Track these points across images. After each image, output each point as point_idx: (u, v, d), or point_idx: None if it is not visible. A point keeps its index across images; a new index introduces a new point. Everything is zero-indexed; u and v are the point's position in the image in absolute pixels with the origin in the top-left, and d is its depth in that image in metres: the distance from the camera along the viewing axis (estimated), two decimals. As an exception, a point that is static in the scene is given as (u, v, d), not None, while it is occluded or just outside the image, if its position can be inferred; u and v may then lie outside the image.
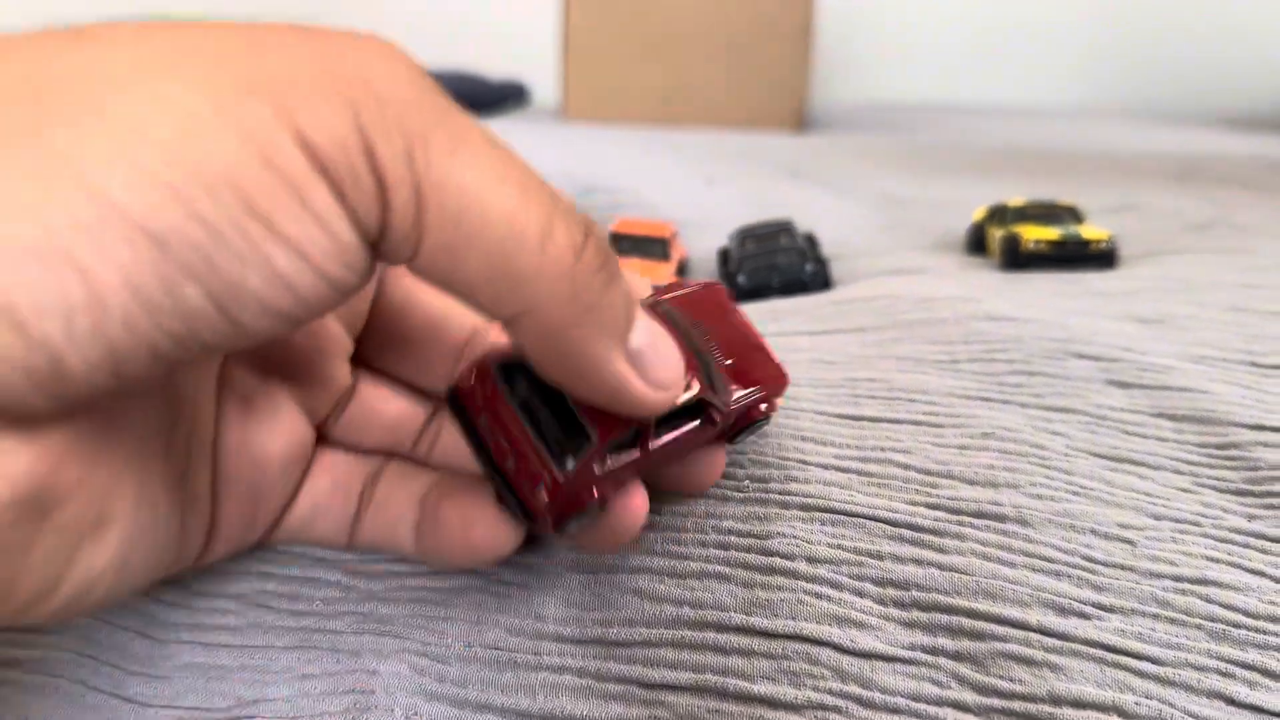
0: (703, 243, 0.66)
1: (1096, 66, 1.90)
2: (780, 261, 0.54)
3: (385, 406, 0.30)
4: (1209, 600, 0.28)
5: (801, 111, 1.34)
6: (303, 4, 2.02)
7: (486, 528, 0.26)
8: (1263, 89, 1.79)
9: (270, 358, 0.27)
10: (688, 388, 0.26)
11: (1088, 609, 0.28)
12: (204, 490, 0.25)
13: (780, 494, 0.31)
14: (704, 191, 0.77)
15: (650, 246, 0.57)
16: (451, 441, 0.30)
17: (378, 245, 0.19)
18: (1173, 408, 0.35)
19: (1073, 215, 0.57)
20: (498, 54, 1.84)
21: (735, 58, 1.33)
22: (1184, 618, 0.28)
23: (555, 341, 0.22)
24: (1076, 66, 1.91)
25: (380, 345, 0.30)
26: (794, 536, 0.30)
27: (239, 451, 0.26)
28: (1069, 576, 0.29)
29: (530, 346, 0.22)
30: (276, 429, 0.27)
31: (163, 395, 0.23)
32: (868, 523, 0.30)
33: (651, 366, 0.24)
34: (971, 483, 0.32)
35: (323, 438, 0.29)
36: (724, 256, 0.60)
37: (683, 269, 0.62)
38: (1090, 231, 0.53)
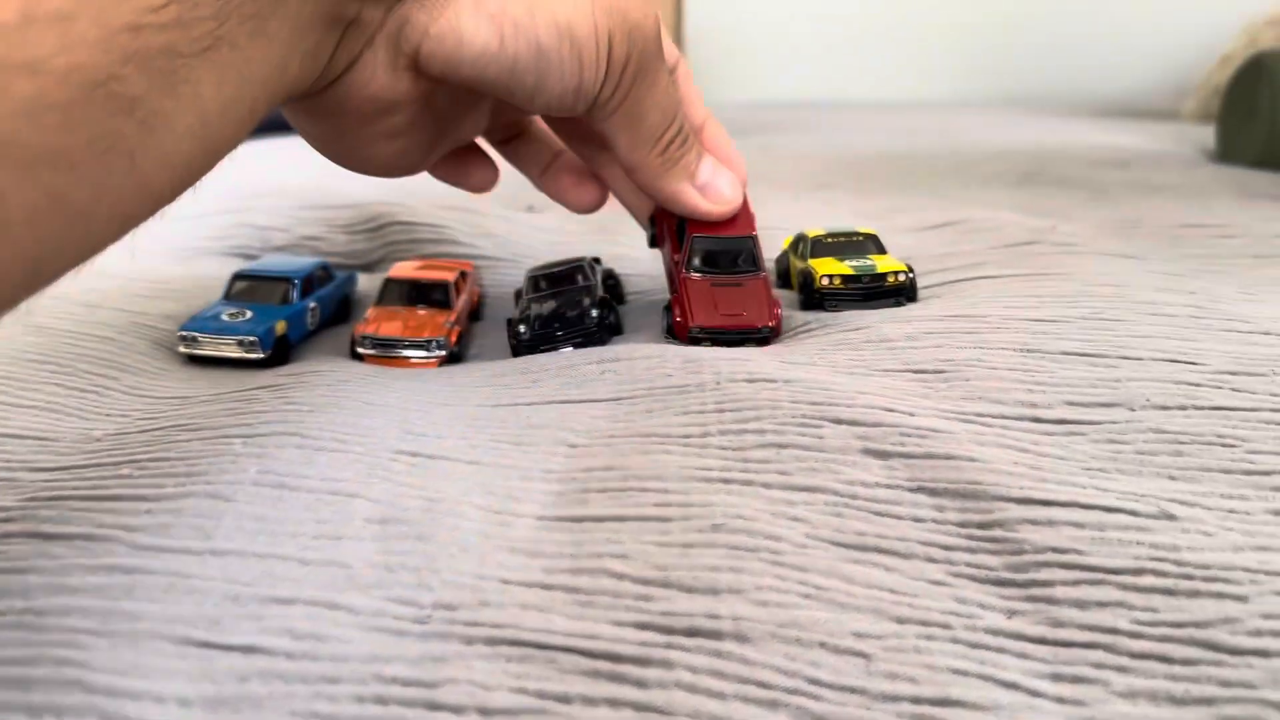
0: (512, 278, 0.61)
1: (967, 58, 1.90)
2: (566, 308, 0.50)
3: None
4: (940, 726, 0.24)
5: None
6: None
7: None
8: (1128, 76, 1.79)
9: None
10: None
11: (804, 749, 0.23)
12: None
13: (467, 625, 0.27)
14: (522, 220, 0.73)
15: (428, 293, 0.52)
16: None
17: (599, 95, 0.40)
18: (934, 480, 0.32)
19: (874, 244, 0.53)
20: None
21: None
22: (919, 751, 0.24)
23: (652, 184, 0.45)
24: (946, 59, 1.90)
25: None
26: (470, 682, 0.25)
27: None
28: (786, 706, 0.24)
29: (639, 183, 0.46)
30: None
31: None
32: (560, 655, 0.26)
33: (712, 193, 0.46)
34: (690, 591, 0.27)
35: None
36: (517, 299, 0.56)
37: (477, 313, 0.57)
38: (887, 264, 0.49)
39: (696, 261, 0.47)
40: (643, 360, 0.40)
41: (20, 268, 0.23)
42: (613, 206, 0.53)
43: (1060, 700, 0.25)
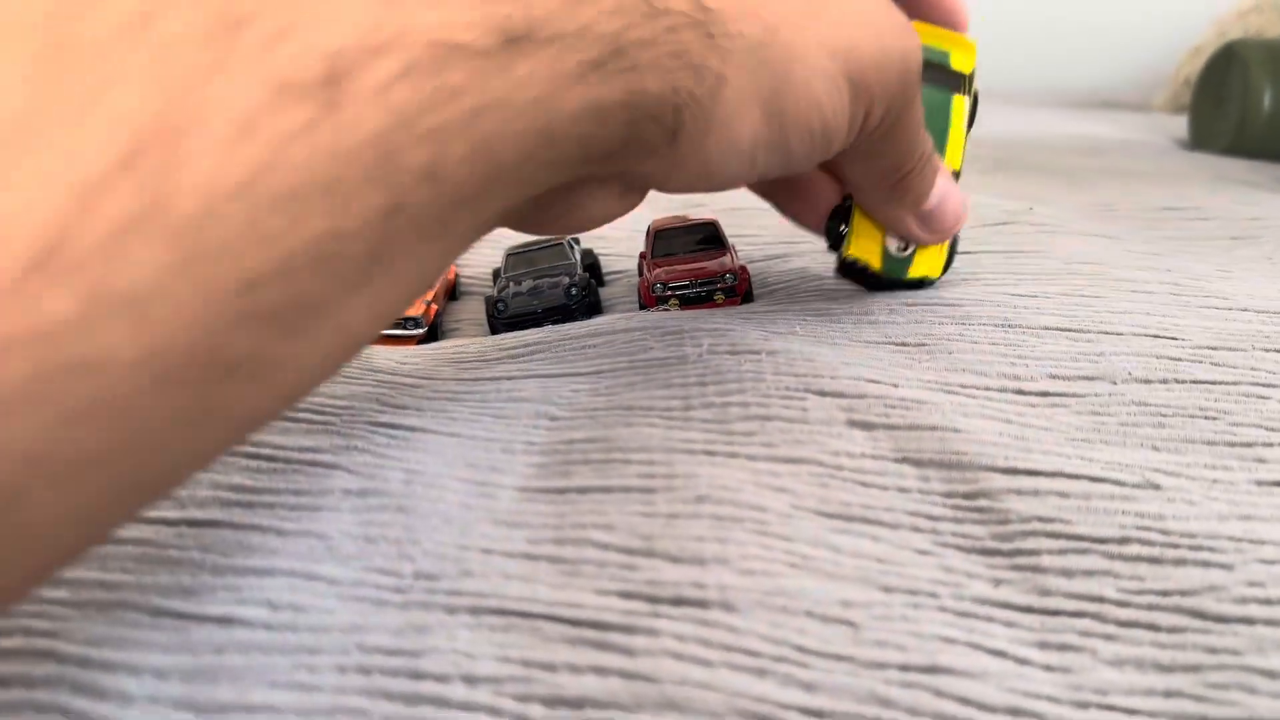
0: (490, 258, 0.61)
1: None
2: (544, 285, 0.49)
3: None
4: (939, 693, 0.24)
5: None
6: None
7: None
8: (1097, 66, 1.80)
9: None
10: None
11: (791, 715, 0.23)
12: None
13: (449, 595, 0.26)
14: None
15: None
16: None
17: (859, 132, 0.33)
18: (918, 450, 0.31)
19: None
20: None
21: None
22: (908, 718, 0.23)
23: (876, 207, 0.39)
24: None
25: None
26: (453, 651, 0.25)
27: None
28: (774, 674, 0.24)
29: (862, 204, 0.40)
30: None
31: None
32: (544, 624, 0.25)
33: (934, 221, 0.39)
34: (676, 560, 0.27)
35: None
36: (495, 277, 0.55)
37: (453, 293, 0.57)
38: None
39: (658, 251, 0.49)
40: (624, 334, 0.40)
41: (34, 572, 0.18)
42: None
43: (1048, 668, 0.25)
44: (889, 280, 0.42)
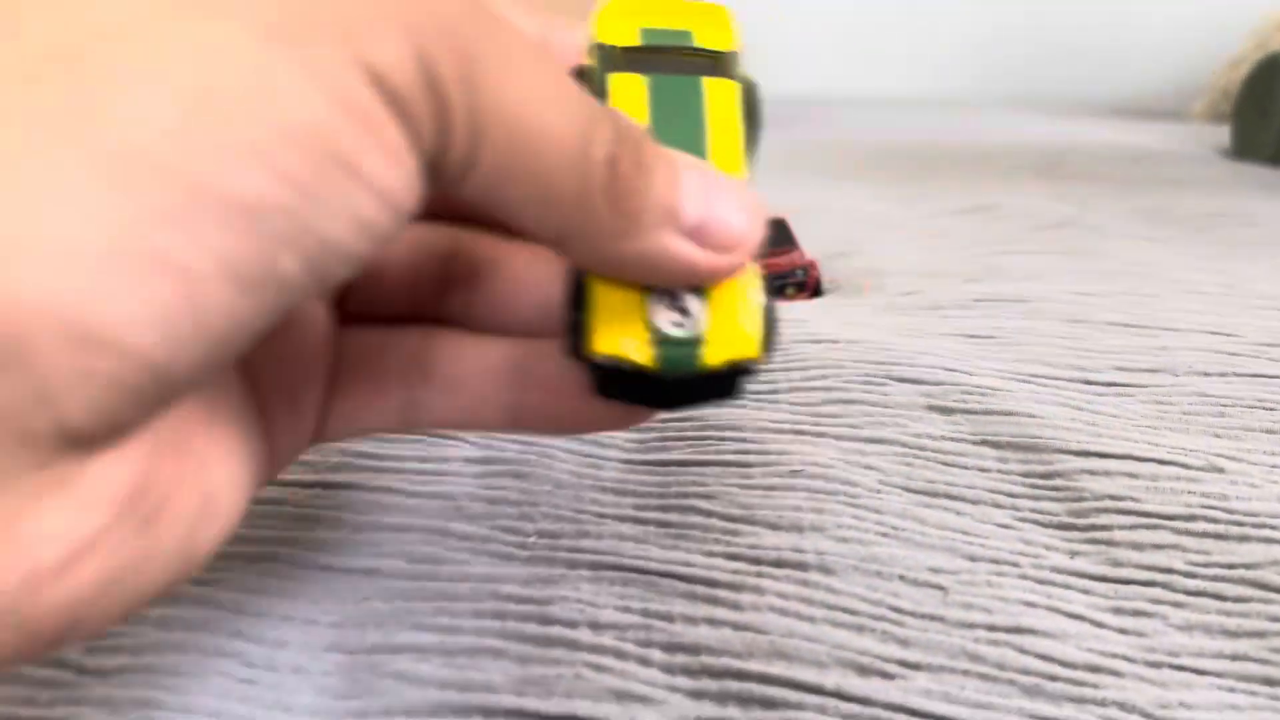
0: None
1: (980, 56, 1.91)
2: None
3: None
4: (1023, 651, 0.26)
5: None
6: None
7: None
8: (1138, 76, 1.81)
9: None
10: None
11: (891, 667, 0.25)
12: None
13: (570, 552, 0.29)
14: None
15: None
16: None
17: (436, 170, 0.18)
18: (995, 434, 0.34)
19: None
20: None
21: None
22: (996, 672, 0.26)
23: (608, 254, 0.20)
24: (960, 56, 1.92)
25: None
26: (578, 600, 0.27)
27: (264, 362, 0.23)
28: (872, 631, 0.26)
29: (585, 263, 0.21)
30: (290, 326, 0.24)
31: None
32: (660, 580, 0.28)
33: (712, 231, 0.21)
34: (775, 528, 0.29)
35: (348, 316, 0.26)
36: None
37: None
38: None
39: None
40: (704, 325, 0.42)
41: None
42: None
43: (1123, 631, 0.27)
44: (677, 385, 0.22)
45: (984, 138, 1.13)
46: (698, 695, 0.25)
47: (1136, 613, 0.28)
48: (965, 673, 0.25)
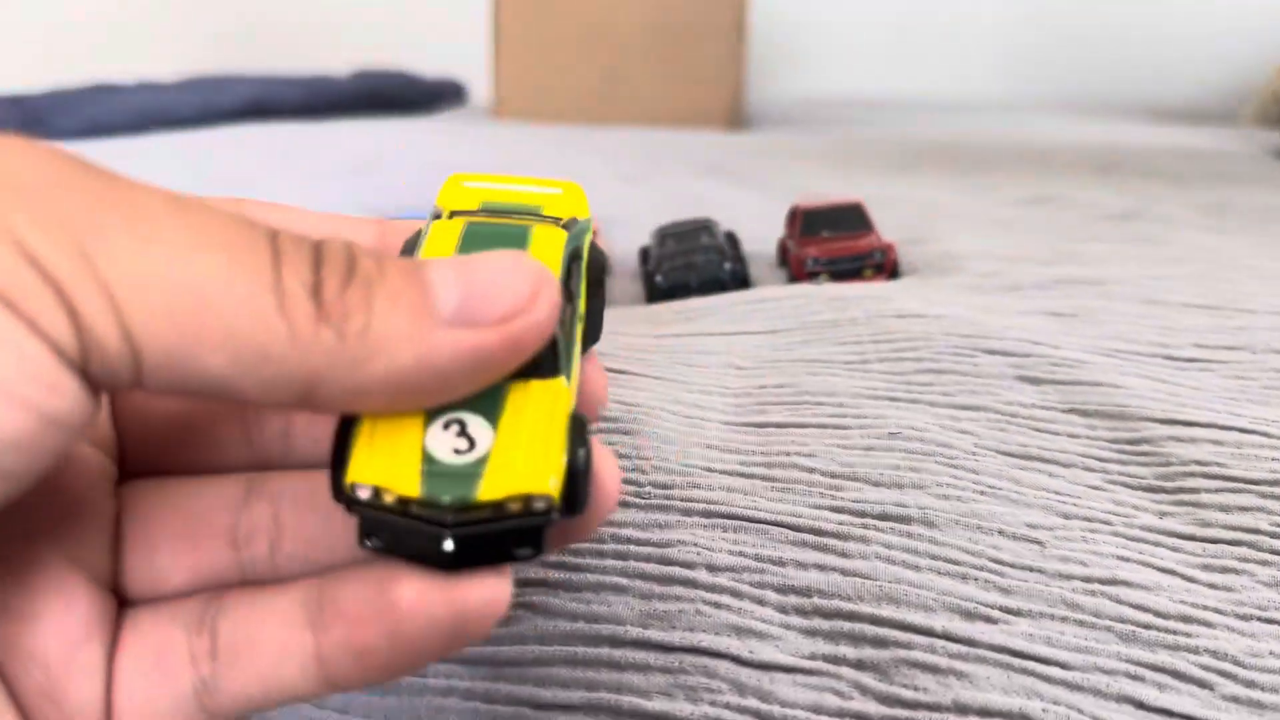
0: (625, 241, 0.65)
1: (1023, 59, 1.92)
2: (698, 260, 0.53)
3: (185, 510, 0.22)
4: (1118, 601, 0.27)
5: (737, 108, 1.33)
6: (238, 11, 2.00)
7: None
8: (1185, 80, 1.81)
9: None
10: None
11: (994, 613, 0.27)
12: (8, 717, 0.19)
13: (683, 501, 0.30)
14: (627, 190, 0.76)
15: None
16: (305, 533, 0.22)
17: (87, 366, 0.15)
18: (1084, 403, 0.35)
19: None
20: (436, 52, 1.82)
21: (669, 55, 1.32)
22: (1093, 620, 0.27)
23: (360, 385, 0.17)
24: (1005, 59, 1.92)
25: (157, 444, 0.23)
26: (694, 544, 0.29)
27: (11, 650, 0.19)
28: (975, 579, 0.28)
29: (346, 407, 0.18)
30: (42, 614, 0.20)
31: None
32: (770, 528, 0.29)
33: (483, 304, 0.18)
34: (876, 484, 0.31)
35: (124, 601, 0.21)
36: (644, 255, 0.59)
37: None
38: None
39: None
40: (788, 300, 0.44)
41: None
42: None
43: (1212, 586, 0.28)
44: (458, 536, 0.18)
45: (1037, 137, 1.14)
46: (811, 633, 0.26)
47: (1225, 569, 0.29)
48: (1064, 619, 0.27)
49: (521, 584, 0.28)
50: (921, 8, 1.93)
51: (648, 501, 0.30)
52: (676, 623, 0.26)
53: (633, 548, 0.28)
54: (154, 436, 0.23)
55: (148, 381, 0.16)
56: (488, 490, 0.17)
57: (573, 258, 0.22)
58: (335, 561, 0.21)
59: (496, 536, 0.18)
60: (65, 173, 0.16)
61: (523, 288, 0.18)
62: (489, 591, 0.18)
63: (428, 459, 0.18)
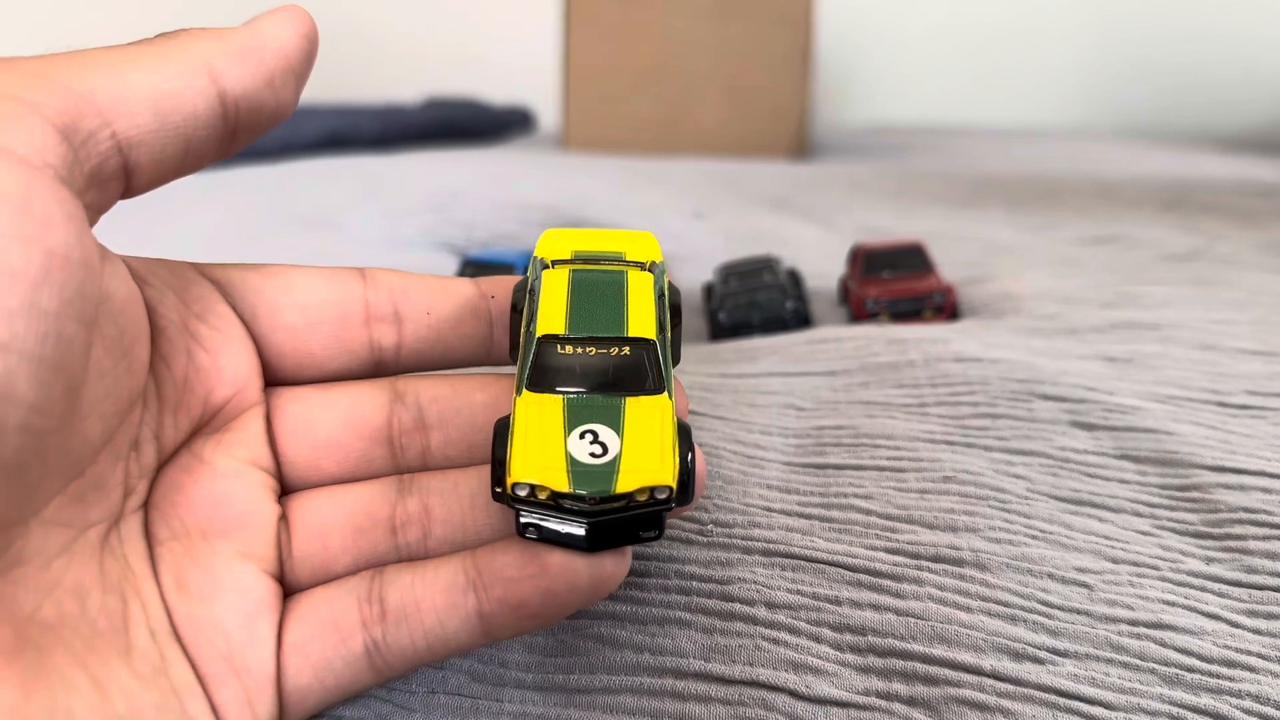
0: (690, 276, 0.67)
1: (1093, 86, 1.91)
2: (761, 299, 0.55)
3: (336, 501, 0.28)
4: (1164, 644, 0.28)
5: (802, 138, 1.35)
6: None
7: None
8: (1257, 108, 1.79)
9: (187, 515, 0.26)
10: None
11: (1042, 653, 0.28)
12: (188, 679, 0.23)
13: (743, 540, 0.32)
14: (693, 223, 0.78)
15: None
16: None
17: (76, 172, 0.21)
18: (1136, 449, 0.36)
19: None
20: (506, 80, 1.86)
21: (734, 85, 1.34)
22: (1138, 662, 0.28)
23: (250, 64, 0.25)
24: (1075, 86, 1.92)
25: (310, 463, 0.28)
26: (754, 582, 0.30)
27: (193, 626, 0.24)
28: (1024, 621, 0.29)
29: (243, 90, 0.25)
30: (224, 594, 0.25)
31: (76, 577, 0.22)
32: (827, 568, 0.31)
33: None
34: (931, 527, 0.32)
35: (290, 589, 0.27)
36: (708, 291, 0.61)
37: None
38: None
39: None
40: (849, 340, 0.45)
41: None
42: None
43: (1257, 632, 0.29)
44: (596, 522, 0.24)
45: (1105, 168, 1.14)
46: (865, 670, 0.28)
47: (1270, 616, 0.30)
48: (1109, 661, 0.28)
49: (590, 617, 0.29)
50: (989, 34, 1.93)
51: (710, 540, 0.32)
52: (736, 657, 0.28)
53: (695, 584, 0.30)
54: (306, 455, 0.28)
55: (127, 145, 0.23)
56: (622, 484, 0.23)
57: (659, 295, 0.28)
58: (480, 542, 0.27)
59: (625, 522, 0.24)
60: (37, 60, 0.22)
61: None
62: (617, 558, 0.24)
63: (571, 461, 0.24)
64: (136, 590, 0.23)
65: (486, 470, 0.27)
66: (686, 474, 0.24)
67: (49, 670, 0.20)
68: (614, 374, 0.25)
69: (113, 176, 0.23)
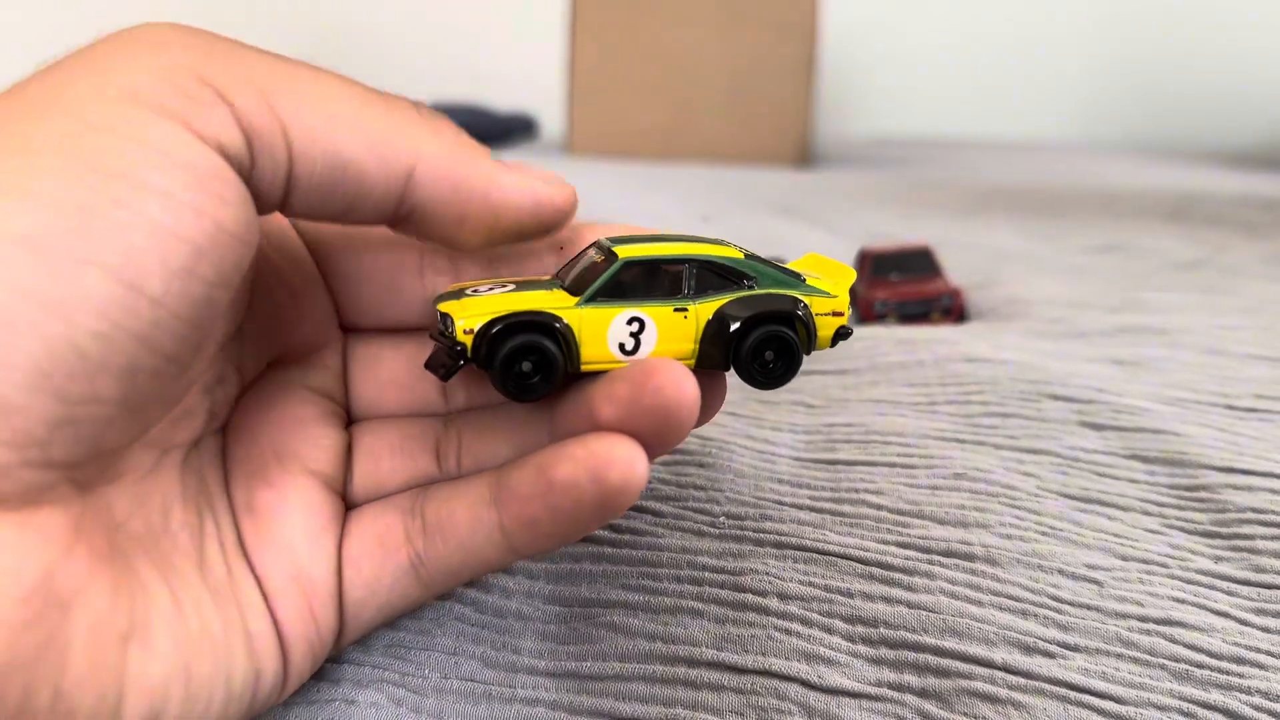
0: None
1: (1096, 101, 1.92)
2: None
3: (387, 388, 0.30)
4: (1173, 640, 0.29)
5: (805, 147, 1.35)
6: (313, 44, 2.05)
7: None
8: (1256, 124, 1.80)
9: (254, 428, 0.27)
10: None
11: (1053, 648, 0.28)
12: (254, 596, 0.24)
13: (755, 532, 0.32)
14: (701, 226, 0.78)
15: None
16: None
17: (251, 171, 0.21)
18: (1144, 449, 0.36)
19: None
20: (509, 87, 1.86)
21: (739, 93, 1.35)
22: (1148, 658, 0.28)
23: (453, 178, 0.24)
24: (1077, 101, 1.92)
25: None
26: (767, 573, 0.30)
27: (262, 543, 0.25)
28: (1035, 615, 0.29)
29: (433, 196, 0.24)
30: (292, 512, 0.26)
31: (162, 492, 0.23)
32: (839, 561, 0.31)
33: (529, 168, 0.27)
34: (942, 523, 0.32)
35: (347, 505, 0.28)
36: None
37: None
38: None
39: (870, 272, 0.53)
40: (858, 341, 0.45)
41: None
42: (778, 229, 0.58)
43: (1266, 630, 0.29)
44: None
45: (1107, 181, 1.15)
46: (877, 662, 0.28)
47: (1278, 614, 0.30)
48: (1119, 656, 0.28)
49: (603, 605, 0.30)
50: (992, 49, 1.94)
51: (722, 531, 0.32)
52: (749, 647, 0.28)
53: (707, 574, 0.30)
54: (372, 391, 0.30)
55: (297, 175, 0.22)
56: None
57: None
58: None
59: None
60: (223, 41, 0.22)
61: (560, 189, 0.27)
62: (625, 468, 0.23)
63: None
64: (210, 507, 0.25)
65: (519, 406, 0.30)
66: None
67: (134, 580, 0.21)
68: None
69: (264, 194, 0.22)
